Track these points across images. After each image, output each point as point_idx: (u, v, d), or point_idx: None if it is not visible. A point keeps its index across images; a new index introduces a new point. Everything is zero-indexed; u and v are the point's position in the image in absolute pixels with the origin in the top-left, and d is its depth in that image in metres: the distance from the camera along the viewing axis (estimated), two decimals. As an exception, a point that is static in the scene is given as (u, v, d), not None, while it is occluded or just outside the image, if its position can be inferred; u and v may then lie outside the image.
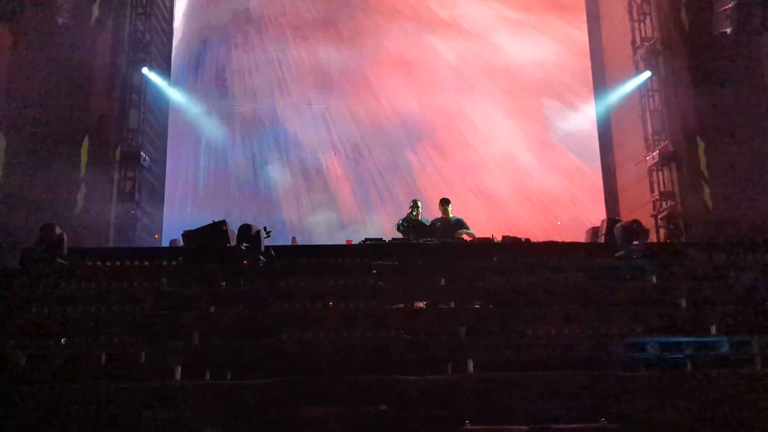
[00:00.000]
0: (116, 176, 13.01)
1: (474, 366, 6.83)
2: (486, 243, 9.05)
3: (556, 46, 16.63)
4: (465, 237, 9.63)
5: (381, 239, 9.43)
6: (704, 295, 7.82)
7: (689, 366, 6.88)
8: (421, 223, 9.91)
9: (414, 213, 9.94)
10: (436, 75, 16.42)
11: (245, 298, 7.73)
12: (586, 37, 16.82)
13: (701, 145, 13.45)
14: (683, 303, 7.75)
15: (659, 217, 13.72)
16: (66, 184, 11.89)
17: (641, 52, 14.35)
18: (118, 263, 8.36)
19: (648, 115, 14.14)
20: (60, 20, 12.24)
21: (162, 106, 15.42)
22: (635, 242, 8.57)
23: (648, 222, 13.33)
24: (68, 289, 7.83)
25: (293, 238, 11.77)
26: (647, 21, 14.43)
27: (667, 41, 14.04)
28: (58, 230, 8.44)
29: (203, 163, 15.81)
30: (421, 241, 9.29)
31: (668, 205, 13.63)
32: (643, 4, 14.53)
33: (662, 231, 13.59)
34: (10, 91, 12.02)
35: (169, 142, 15.65)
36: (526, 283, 8.01)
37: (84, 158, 12.26)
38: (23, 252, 8.51)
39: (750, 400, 6.37)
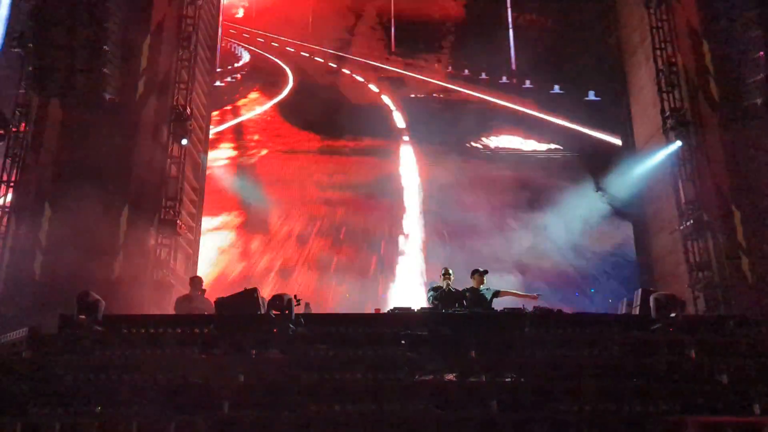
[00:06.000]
0: (153, 243, 13.34)
1: (506, 443, 6.65)
2: (517, 314, 8.94)
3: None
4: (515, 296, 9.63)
5: (410, 308, 9.39)
6: (747, 373, 7.55)
7: (733, 448, 6.59)
8: (451, 293, 9.83)
9: (446, 282, 9.89)
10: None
11: (275, 367, 7.73)
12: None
13: (737, 215, 13.26)
14: (724, 380, 7.49)
15: (696, 288, 13.39)
16: (105, 251, 12.23)
17: (671, 122, 14.33)
18: (152, 330, 8.46)
19: (680, 184, 13.99)
20: (108, 96, 12.92)
21: (199, 174, 15.97)
22: (672, 314, 8.36)
23: (684, 293, 13.02)
24: (103, 356, 7.94)
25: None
26: (676, 92, 14.51)
27: (697, 112, 14.09)
28: (94, 296, 8.63)
29: (236, 231, 16.26)
30: (450, 311, 9.21)
31: (705, 275, 13.32)
32: (671, 75, 14.64)
33: (699, 303, 13.24)
34: (57, 163, 12.64)
35: (204, 209, 16.13)
36: (559, 357, 7.85)
37: (123, 226, 12.66)
38: (61, 317, 8.67)
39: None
